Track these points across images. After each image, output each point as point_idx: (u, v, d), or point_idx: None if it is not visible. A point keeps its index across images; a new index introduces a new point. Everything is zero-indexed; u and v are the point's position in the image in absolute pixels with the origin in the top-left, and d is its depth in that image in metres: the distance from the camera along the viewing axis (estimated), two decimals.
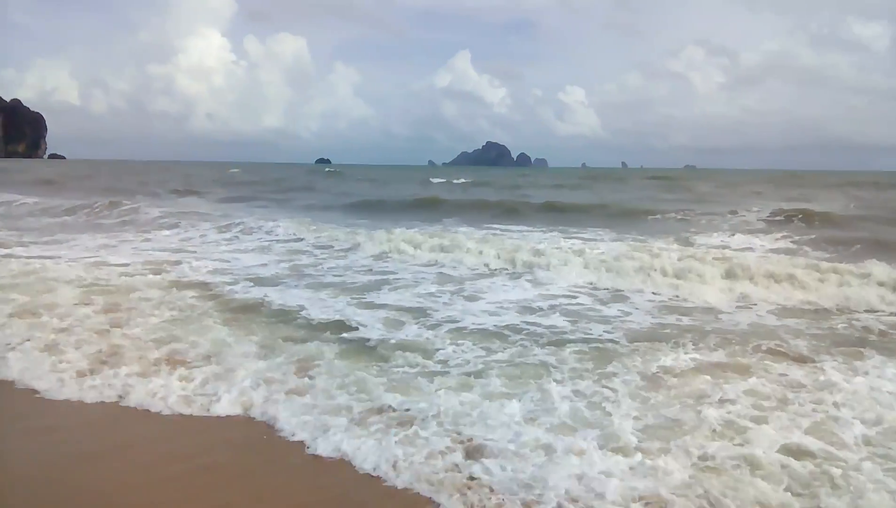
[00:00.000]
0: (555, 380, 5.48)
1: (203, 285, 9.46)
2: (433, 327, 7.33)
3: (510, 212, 22.95)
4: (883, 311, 8.24)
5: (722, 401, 5.01)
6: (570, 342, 6.69)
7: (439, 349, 6.41)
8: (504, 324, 7.48)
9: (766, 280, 9.38)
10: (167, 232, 17.05)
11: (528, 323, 7.51)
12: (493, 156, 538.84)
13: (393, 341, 6.65)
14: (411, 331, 7.15)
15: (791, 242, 14.79)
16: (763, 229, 17.28)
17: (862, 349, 6.47)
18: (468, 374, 5.67)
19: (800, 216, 18.72)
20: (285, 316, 7.72)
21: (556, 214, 22.41)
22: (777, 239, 15.11)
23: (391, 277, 10.64)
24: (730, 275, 9.73)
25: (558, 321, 7.69)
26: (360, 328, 7.16)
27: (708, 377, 5.55)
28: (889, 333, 7.28)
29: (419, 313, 8.00)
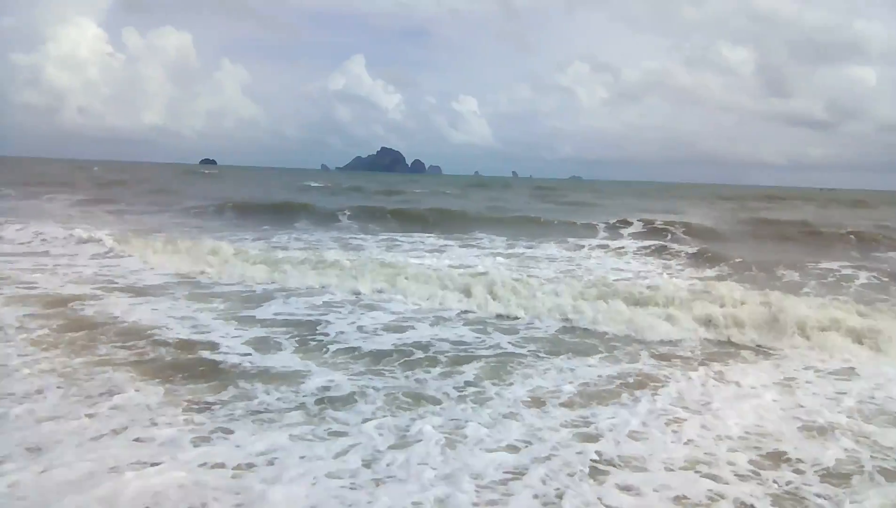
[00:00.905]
0: None
1: None
2: None
3: (399, 217, 21.88)
4: None
5: None
6: None
7: None
8: None
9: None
10: None
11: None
12: (387, 162, 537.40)
13: None
14: None
15: (666, 254, 14.91)
16: (634, 239, 17.63)
17: None
18: None
19: (671, 228, 19.13)
20: None
21: (438, 220, 21.28)
22: (649, 251, 14.85)
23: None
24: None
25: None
26: None
27: None
28: None
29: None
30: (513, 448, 4.42)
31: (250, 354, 6.42)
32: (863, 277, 11.92)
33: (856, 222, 21.47)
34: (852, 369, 6.54)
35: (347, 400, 5.23)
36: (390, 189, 44.32)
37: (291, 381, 5.65)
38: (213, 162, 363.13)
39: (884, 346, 7.07)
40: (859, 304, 8.91)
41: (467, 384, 5.71)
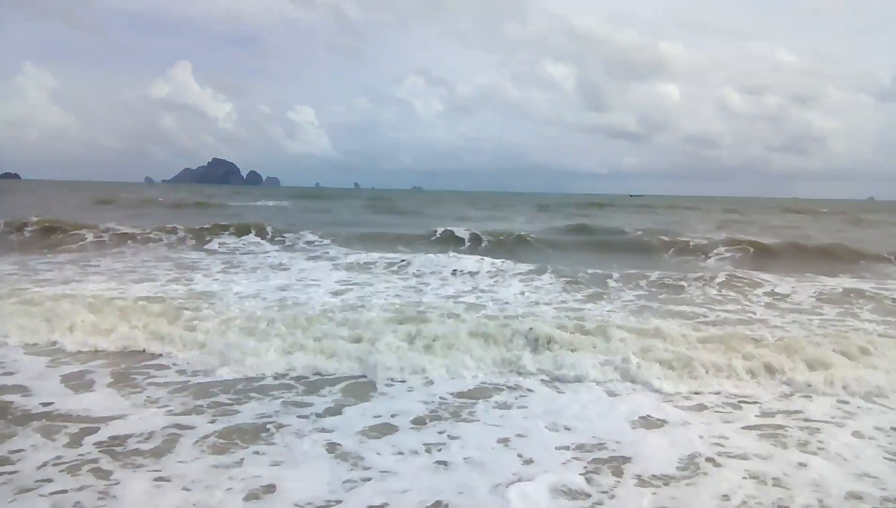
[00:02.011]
0: None
1: None
2: None
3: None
4: None
5: None
6: None
7: None
8: None
9: None
10: None
11: None
12: (220, 173, 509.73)
13: None
14: None
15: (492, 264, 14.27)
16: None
17: None
18: None
19: (500, 238, 19.13)
20: None
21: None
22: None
23: None
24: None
25: None
26: None
27: None
28: None
29: None
30: None
31: None
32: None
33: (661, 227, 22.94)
34: None
35: None
36: (207, 201, 40.96)
37: None
38: (15, 176, 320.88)
39: None
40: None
41: None
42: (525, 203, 56.76)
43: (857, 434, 5.00)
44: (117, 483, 3.90)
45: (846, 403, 5.72)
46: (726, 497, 3.88)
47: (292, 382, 5.93)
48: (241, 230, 18.57)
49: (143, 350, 6.77)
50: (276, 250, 16.49)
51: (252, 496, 3.79)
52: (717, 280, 12.29)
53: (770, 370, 6.29)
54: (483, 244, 18.42)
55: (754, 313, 9.69)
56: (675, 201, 67.39)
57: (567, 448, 4.58)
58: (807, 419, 5.25)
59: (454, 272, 12.93)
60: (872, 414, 5.46)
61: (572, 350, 6.65)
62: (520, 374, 6.25)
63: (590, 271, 13.16)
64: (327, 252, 16.03)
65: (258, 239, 17.88)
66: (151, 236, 17.53)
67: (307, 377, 6.05)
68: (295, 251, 16.40)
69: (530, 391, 5.85)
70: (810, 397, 5.83)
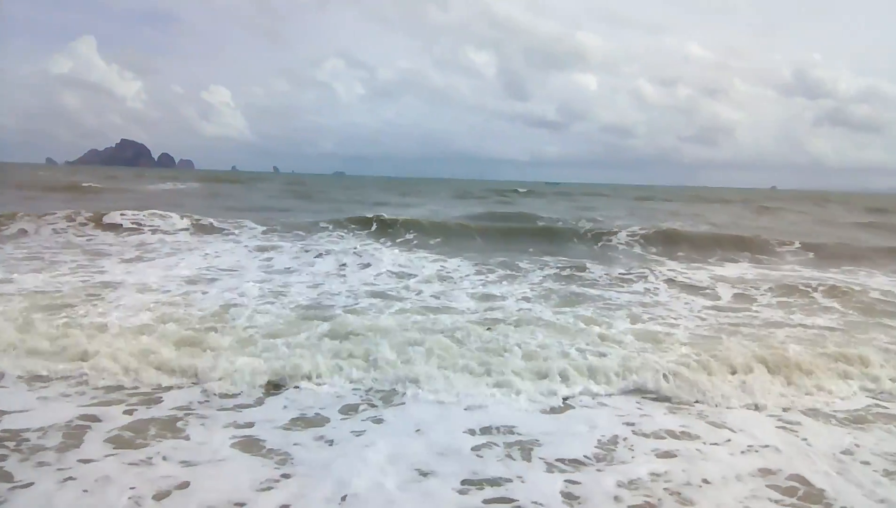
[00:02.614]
0: None
1: None
2: None
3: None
4: None
5: None
6: None
7: None
8: None
9: None
10: None
11: None
12: (130, 155, 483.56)
13: None
14: None
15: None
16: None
17: None
18: None
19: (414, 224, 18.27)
20: None
21: None
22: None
23: None
24: None
25: None
26: None
27: None
28: None
29: None
30: None
31: None
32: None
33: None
34: None
35: None
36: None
37: None
38: None
39: None
40: None
41: None
42: (447, 189, 56.62)
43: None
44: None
45: (743, 383, 5.60)
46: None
47: None
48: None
49: None
50: (166, 236, 15.07)
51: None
52: (632, 268, 12.36)
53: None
54: (392, 230, 17.69)
55: (658, 299, 9.67)
56: (592, 189, 68.98)
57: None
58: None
59: (364, 262, 12.14)
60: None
61: None
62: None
63: (500, 257, 13.16)
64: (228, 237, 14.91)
65: (148, 223, 16.31)
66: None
67: None
68: (195, 236, 15.20)
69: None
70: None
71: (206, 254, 12.53)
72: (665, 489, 3.81)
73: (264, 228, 16.60)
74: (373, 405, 4.98)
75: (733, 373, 5.78)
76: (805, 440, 4.61)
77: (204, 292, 8.68)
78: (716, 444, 4.48)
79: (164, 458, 3.93)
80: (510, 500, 3.63)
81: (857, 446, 4.55)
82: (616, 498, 3.68)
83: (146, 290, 8.65)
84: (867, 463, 4.28)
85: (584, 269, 12.03)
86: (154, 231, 15.51)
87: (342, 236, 16.49)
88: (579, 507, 3.61)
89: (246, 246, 13.81)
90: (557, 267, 12.18)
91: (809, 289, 10.59)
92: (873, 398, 5.62)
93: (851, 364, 6.15)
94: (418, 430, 4.51)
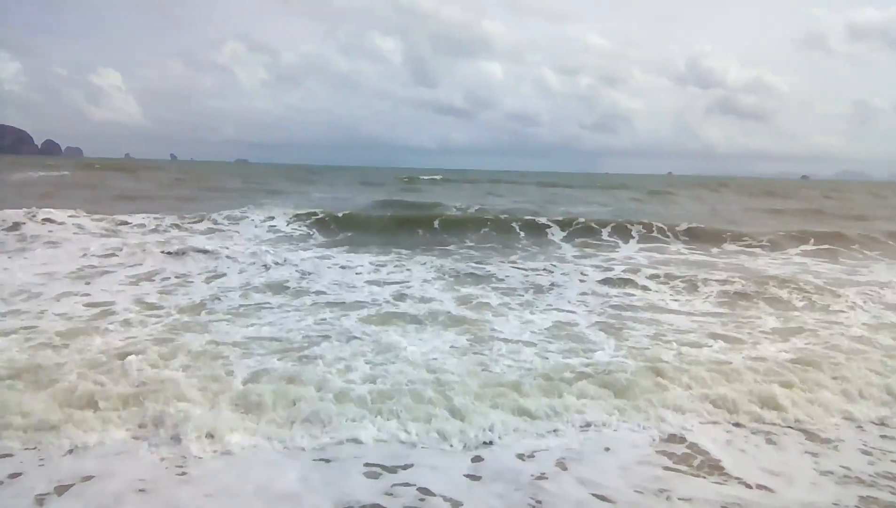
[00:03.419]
0: None
1: None
2: None
3: None
4: None
5: None
6: None
7: None
8: None
9: None
10: None
11: None
12: (9, 142, 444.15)
13: None
14: None
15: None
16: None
17: None
18: None
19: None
20: None
21: None
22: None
23: None
24: None
25: None
26: None
27: None
28: None
29: None
30: None
31: None
32: None
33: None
34: None
35: None
36: None
37: None
38: None
39: None
40: None
41: None
42: (353, 177, 55.38)
43: None
44: None
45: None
46: None
47: None
48: None
49: None
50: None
51: None
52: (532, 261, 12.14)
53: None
54: (281, 220, 16.67)
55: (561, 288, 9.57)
56: (499, 176, 69.63)
57: None
58: None
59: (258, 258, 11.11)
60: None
61: None
62: None
63: (395, 249, 13.11)
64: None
65: None
66: None
67: None
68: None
69: None
70: None
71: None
72: None
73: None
74: None
75: None
76: None
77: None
78: None
79: None
80: None
81: None
82: None
83: None
84: None
85: (485, 261, 11.84)
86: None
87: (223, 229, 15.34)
88: None
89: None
90: (456, 258, 11.96)
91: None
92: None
93: None
94: None
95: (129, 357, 5.37)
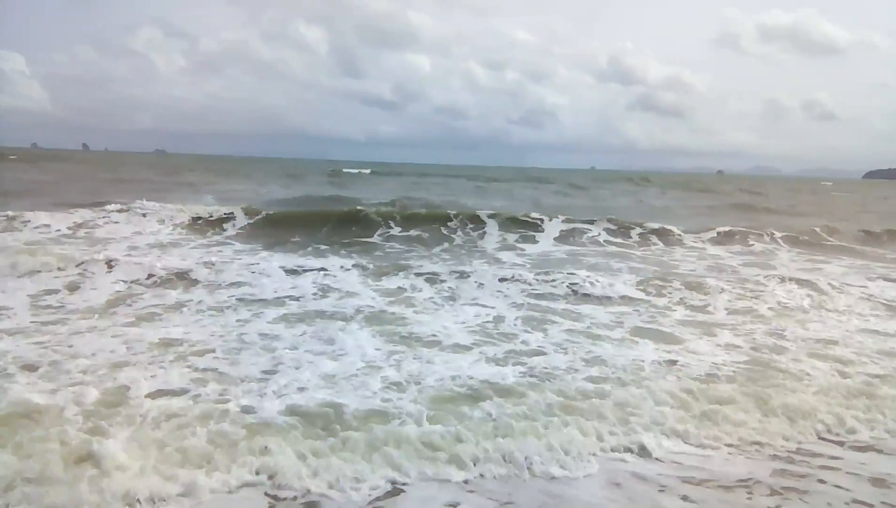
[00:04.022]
0: None
1: None
2: None
3: None
4: None
5: None
6: None
7: None
8: None
9: None
10: None
11: None
12: None
13: None
14: None
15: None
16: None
17: None
18: None
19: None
20: None
21: None
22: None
23: None
24: None
25: None
26: None
27: None
28: None
29: None
30: None
31: None
32: None
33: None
34: None
35: None
36: None
37: None
38: None
39: None
40: None
41: None
42: (277, 169, 53.70)
43: None
44: None
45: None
46: None
47: None
48: None
49: None
50: None
51: None
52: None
53: None
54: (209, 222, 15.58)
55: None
56: (428, 169, 69.40)
57: None
58: None
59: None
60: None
61: None
62: None
63: (314, 245, 12.69)
64: None
65: None
66: None
67: None
68: None
69: None
70: None
71: None
72: None
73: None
74: None
75: None
76: None
77: None
78: None
79: None
80: None
81: None
82: None
83: None
84: None
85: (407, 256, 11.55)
86: None
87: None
88: None
89: None
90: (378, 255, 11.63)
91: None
92: None
93: None
94: None
95: None
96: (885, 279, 10.97)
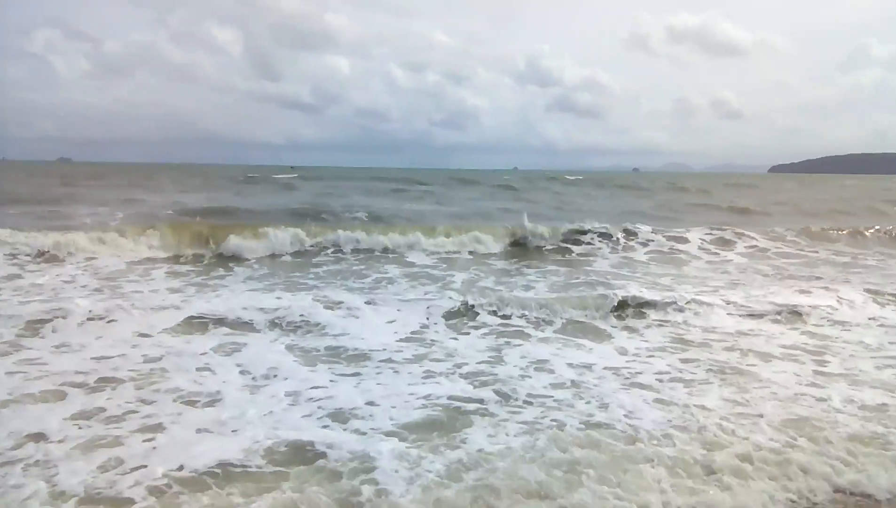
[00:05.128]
0: None
1: None
2: None
3: None
4: None
5: None
6: None
7: None
8: None
9: None
10: None
11: None
12: None
13: None
14: None
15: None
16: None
17: None
18: None
19: None
20: None
21: None
22: None
23: None
24: None
25: None
26: None
27: None
28: None
29: None
30: None
31: None
32: None
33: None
34: None
35: None
36: None
37: None
38: None
39: None
40: None
41: None
42: (189, 176, 50.19)
43: None
44: None
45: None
46: None
47: None
48: None
49: None
50: None
51: None
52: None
53: None
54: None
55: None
56: (346, 173, 67.72)
57: None
58: None
59: None
60: None
61: None
62: None
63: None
64: None
65: None
66: None
67: None
68: None
69: None
70: None
71: None
72: None
73: None
74: None
75: None
76: None
77: None
78: None
79: None
80: None
81: None
82: None
83: None
84: None
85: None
86: None
87: None
88: None
89: None
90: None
91: None
92: None
93: None
94: None
95: None
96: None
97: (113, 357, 6.03)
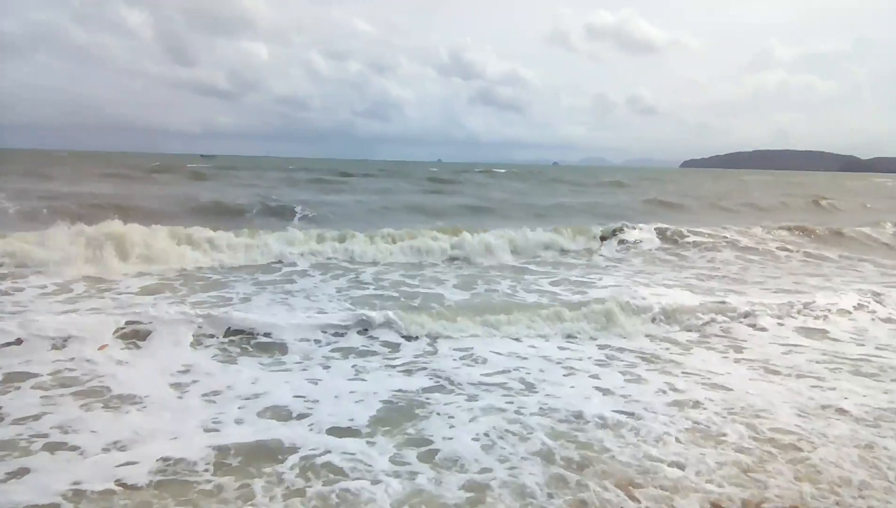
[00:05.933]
0: None
1: None
2: None
3: None
4: None
5: None
6: None
7: None
8: None
9: None
10: None
11: None
12: None
13: None
14: None
15: None
16: None
17: None
18: None
19: None
20: None
21: None
22: None
23: None
24: None
25: None
26: None
27: None
28: None
29: None
30: None
31: None
32: None
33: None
34: None
35: None
36: None
37: None
38: None
39: None
40: None
41: None
42: (92, 164, 46.07)
43: None
44: None
45: None
46: None
47: None
48: None
49: None
50: None
51: None
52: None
53: None
54: None
55: None
56: (263, 163, 65.31)
57: None
58: None
59: None
60: None
61: None
62: None
63: None
64: None
65: None
66: None
67: None
68: None
69: None
70: None
71: None
72: None
73: None
74: None
75: None
76: None
77: None
78: None
79: None
80: None
81: None
82: None
83: None
84: None
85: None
86: None
87: None
88: None
89: None
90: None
91: None
92: None
93: None
94: None
95: None
96: None
97: None
